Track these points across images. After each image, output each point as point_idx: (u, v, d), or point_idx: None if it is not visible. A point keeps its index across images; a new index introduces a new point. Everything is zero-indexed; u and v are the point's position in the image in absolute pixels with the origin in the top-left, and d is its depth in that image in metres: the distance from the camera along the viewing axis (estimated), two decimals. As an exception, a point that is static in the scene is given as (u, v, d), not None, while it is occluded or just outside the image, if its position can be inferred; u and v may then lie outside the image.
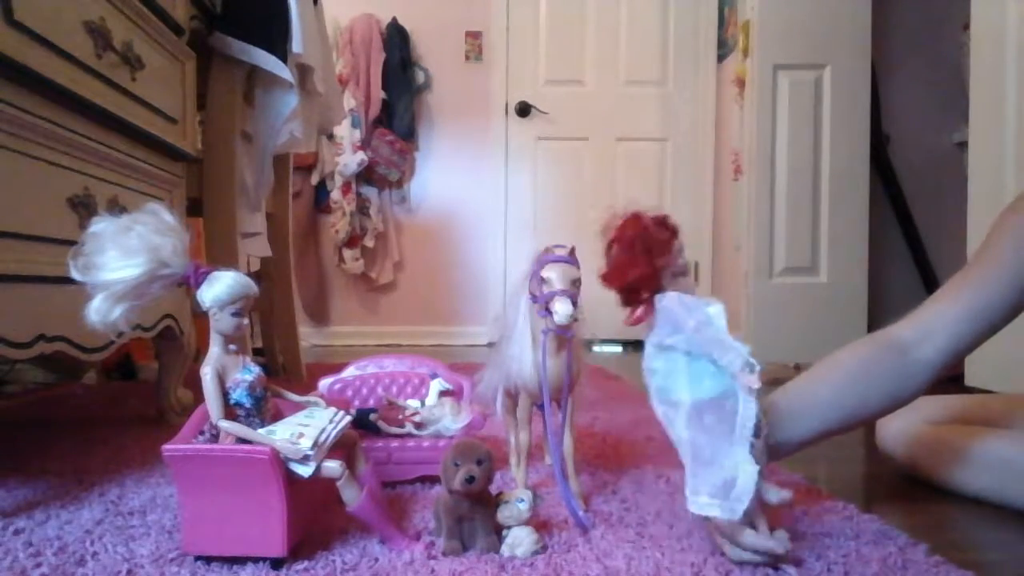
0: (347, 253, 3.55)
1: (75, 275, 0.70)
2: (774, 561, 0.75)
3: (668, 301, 0.79)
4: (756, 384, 0.75)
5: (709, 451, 0.75)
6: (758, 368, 0.76)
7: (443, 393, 1.12)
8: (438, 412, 1.09)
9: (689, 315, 0.78)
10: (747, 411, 0.75)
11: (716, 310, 0.78)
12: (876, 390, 0.88)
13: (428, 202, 3.72)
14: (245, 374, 0.76)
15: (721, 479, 0.73)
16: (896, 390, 0.88)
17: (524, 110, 3.67)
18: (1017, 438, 1.01)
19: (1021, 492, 0.97)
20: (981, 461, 1.01)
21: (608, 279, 0.81)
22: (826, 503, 0.96)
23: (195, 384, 0.83)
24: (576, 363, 0.95)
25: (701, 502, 0.74)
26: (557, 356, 0.93)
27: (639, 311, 0.81)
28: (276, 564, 0.74)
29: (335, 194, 3.50)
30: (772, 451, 0.81)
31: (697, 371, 0.77)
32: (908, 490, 1.10)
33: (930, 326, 0.89)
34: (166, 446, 0.73)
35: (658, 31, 3.71)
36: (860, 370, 0.89)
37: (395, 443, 1.05)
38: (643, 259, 0.79)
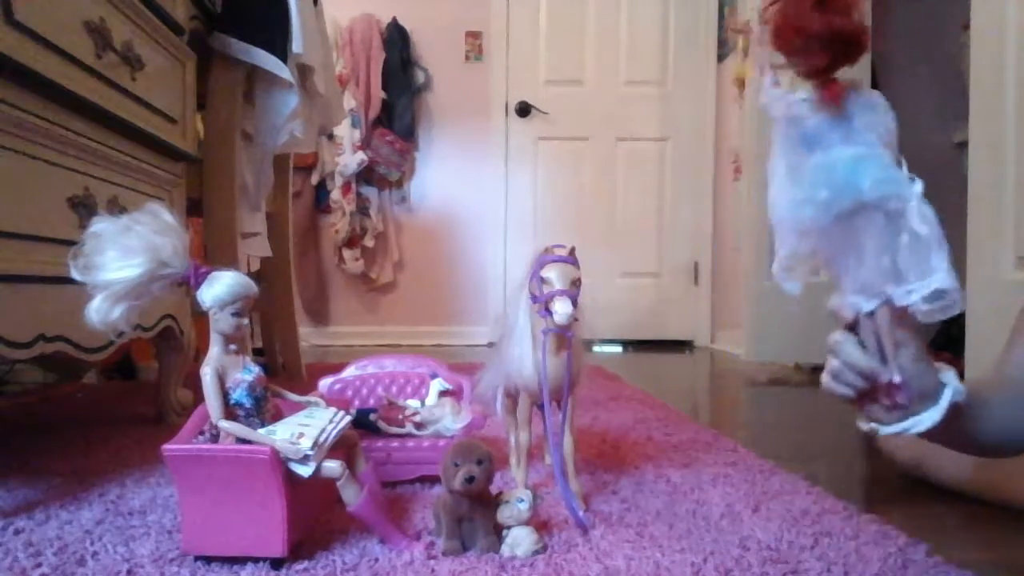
0: (347, 253, 3.56)
1: (75, 275, 0.70)
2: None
3: (870, 92, 0.66)
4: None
5: (884, 252, 0.66)
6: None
7: (443, 393, 1.12)
8: (438, 412, 1.09)
9: (889, 117, 0.67)
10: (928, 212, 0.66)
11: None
12: (1008, 421, 0.82)
13: (428, 202, 3.72)
14: (245, 374, 0.76)
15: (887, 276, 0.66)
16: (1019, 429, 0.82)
17: (524, 110, 3.67)
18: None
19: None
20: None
21: (814, 23, 0.61)
22: (826, 503, 0.96)
23: (195, 384, 0.83)
24: (576, 363, 0.95)
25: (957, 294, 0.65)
26: (557, 356, 0.93)
27: (842, 84, 0.65)
28: (276, 564, 0.74)
29: (335, 194, 3.50)
30: (953, 420, 0.73)
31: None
32: (908, 490, 1.10)
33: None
34: (166, 446, 0.73)
35: (658, 31, 3.72)
36: (994, 402, 0.83)
37: (395, 443, 1.05)
38: (855, 15, 0.61)
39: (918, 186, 0.66)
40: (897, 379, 0.71)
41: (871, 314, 0.70)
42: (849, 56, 0.63)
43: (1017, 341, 0.87)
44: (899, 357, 0.70)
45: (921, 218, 0.66)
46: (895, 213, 0.66)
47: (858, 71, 2.89)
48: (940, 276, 0.66)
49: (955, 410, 0.72)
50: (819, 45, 0.61)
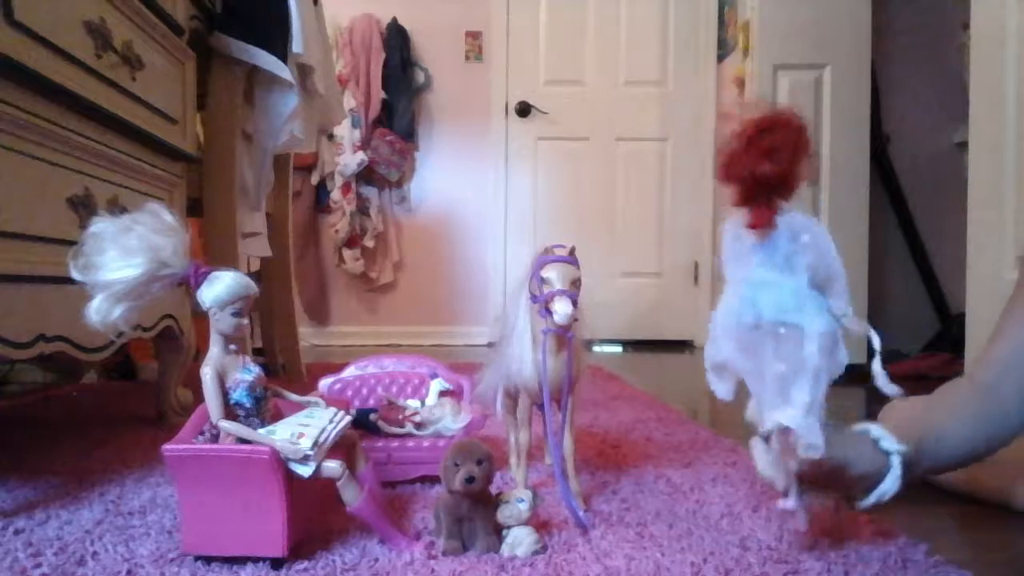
0: (347, 253, 3.55)
1: (75, 275, 0.70)
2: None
3: (801, 217, 0.73)
4: (867, 331, 0.73)
5: (824, 384, 0.72)
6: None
7: (443, 393, 1.12)
8: (438, 412, 1.09)
9: (820, 238, 0.73)
10: (842, 357, 0.73)
11: (832, 246, 0.73)
12: (978, 437, 0.84)
13: (428, 202, 3.72)
14: (245, 374, 0.76)
15: (819, 408, 0.71)
16: (994, 438, 0.85)
17: (524, 110, 3.67)
18: None
19: None
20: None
21: (741, 171, 0.71)
22: (826, 503, 0.96)
23: (195, 384, 0.83)
24: (576, 363, 0.95)
25: (812, 425, 0.70)
26: (557, 356, 0.93)
27: (761, 214, 0.72)
28: (276, 564, 0.74)
29: (335, 194, 3.50)
30: (914, 468, 0.79)
31: (818, 301, 0.73)
32: (908, 490, 1.09)
33: (1001, 366, 0.85)
34: (166, 446, 0.73)
35: (658, 31, 3.71)
36: (963, 416, 0.85)
37: (395, 443, 1.06)
38: (786, 158, 0.70)
39: (816, 324, 0.71)
40: (789, 504, 0.75)
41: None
42: (771, 195, 0.71)
43: (995, 342, 0.88)
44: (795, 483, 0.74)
45: (777, 355, 0.72)
46: (784, 339, 0.72)
47: (858, 71, 2.88)
48: (788, 413, 0.71)
49: (915, 459, 0.77)
50: (743, 184, 0.71)
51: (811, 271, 0.73)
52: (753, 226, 0.73)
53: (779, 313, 0.73)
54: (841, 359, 0.73)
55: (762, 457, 0.76)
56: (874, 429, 0.78)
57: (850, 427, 0.79)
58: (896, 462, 0.76)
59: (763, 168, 0.70)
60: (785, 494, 0.76)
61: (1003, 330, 0.87)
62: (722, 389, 0.80)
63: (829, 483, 0.78)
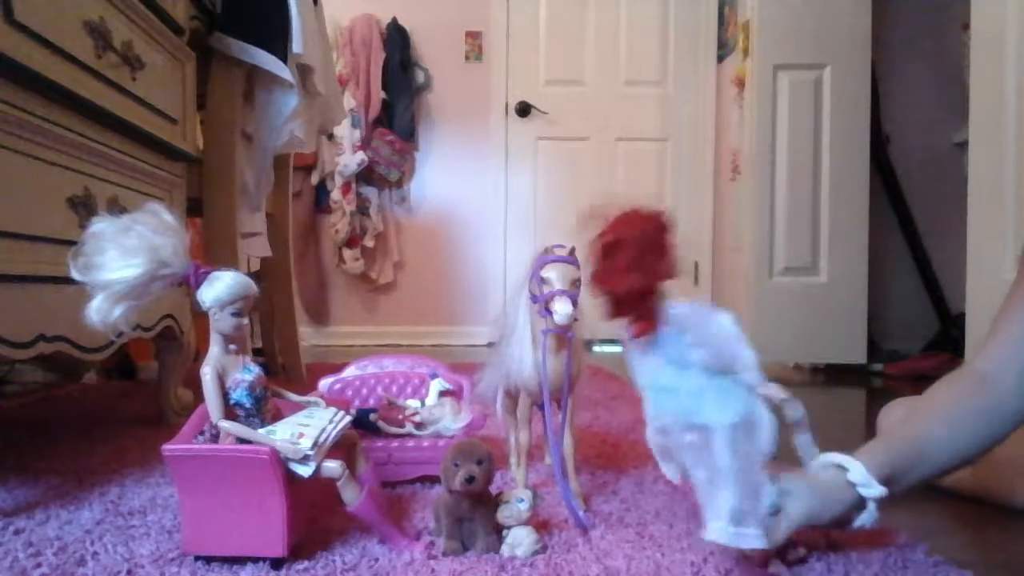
0: (347, 253, 3.55)
1: (75, 275, 0.70)
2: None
3: (683, 309, 0.73)
4: (781, 395, 0.72)
5: (752, 475, 0.70)
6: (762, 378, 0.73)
7: (443, 393, 1.12)
8: (438, 412, 1.09)
9: (707, 327, 0.73)
10: (768, 427, 0.71)
11: (726, 318, 0.73)
12: (974, 434, 0.83)
13: (428, 202, 3.72)
14: (245, 374, 0.76)
15: (754, 504, 0.70)
16: (992, 432, 0.83)
17: (524, 110, 3.67)
18: None
19: None
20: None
21: (605, 287, 0.73)
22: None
23: (195, 384, 0.83)
24: (576, 363, 0.95)
25: (746, 533, 0.69)
26: (557, 356, 0.93)
27: (641, 323, 0.73)
28: (276, 564, 0.74)
29: (335, 194, 3.50)
30: (899, 485, 0.79)
31: (723, 390, 0.72)
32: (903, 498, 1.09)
33: (1003, 355, 0.84)
34: (166, 446, 0.73)
35: (658, 31, 3.71)
36: (959, 415, 0.83)
37: (395, 443, 1.06)
38: (646, 267, 0.71)
39: (721, 419, 0.70)
40: (777, 571, 0.74)
41: None
42: (640, 304, 0.72)
43: (995, 335, 0.87)
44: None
45: (693, 462, 0.72)
46: (695, 444, 0.72)
47: (858, 71, 2.87)
48: (715, 527, 0.70)
49: (892, 482, 0.76)
50: (609, 301, 0.74)
51: (706, 363, 0.72)
52: (634, 336, 0.74)
53: (681, 417, 0.72)
54: (765, 436, 0.71)
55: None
56: (853, 471, 0.75)
57: (822, 462, 0.78)
58: (873, 506, 0.75)
59: (619, 287, 0.71)
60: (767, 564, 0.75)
61: (1003, 323, 0.87)
62: (671, 471, 0.79)
63: (803, 537, 0.78)
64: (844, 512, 0.75)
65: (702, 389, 0.72)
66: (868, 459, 0.77)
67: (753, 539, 0.68)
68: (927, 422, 0.84)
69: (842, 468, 0.76)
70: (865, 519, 0.76)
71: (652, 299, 0.73)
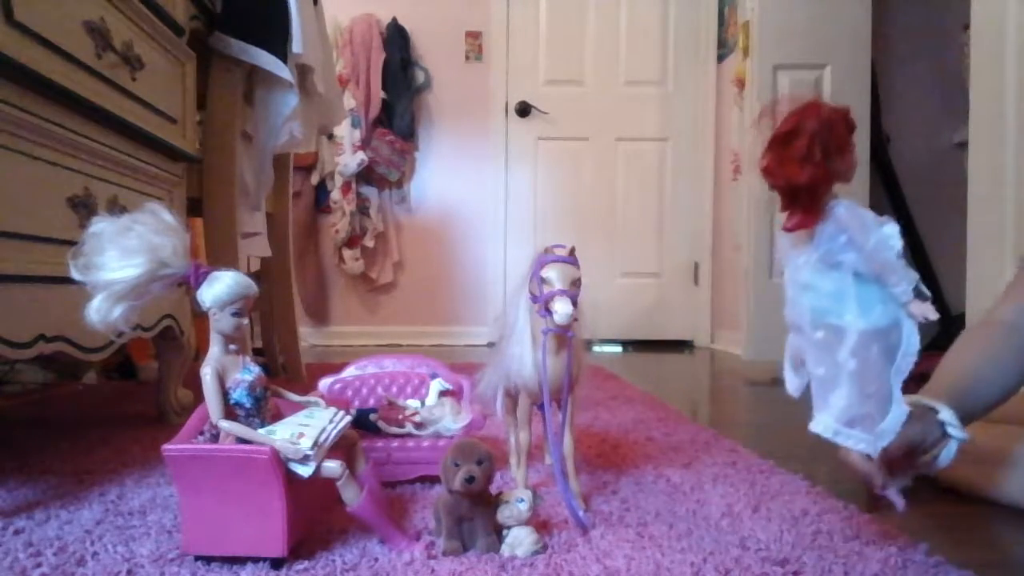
0: (347, 253, 3.55)
1: (75, 275, 0.70)
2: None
3: (845, 211, 0.71)
4: (933, 315, 0.71)
5: (875, 384, 0.70)
6: (929, 297, 0.71)
7: (443, 393, 1.12)
8: (438, 412, 1.09)
9: (867, 232, 0.70)
10: (910, 347, 0.71)
11: (892, 230, 0.70)
12: (1015, 372, 0.89)
13: (428, 202, 3.72)
14: (245, 374, 0.76)
15: (874, 412, 0.71)
16: (1021, 373, 0.89)
17: (524, 110, 3.67)
18: None
19: None
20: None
21: (774, 175, 0.70)
22: (826, 503, 0.96)
23: (195, 384, 0.83)
24: (576, 363, 0.95)
25: (851, 433, 0.71)
26: (557, 356, 0.93)
27: (801, 216, 0.71)
28: (276, 564, 0.74)
29: (335, 194, 3.50)
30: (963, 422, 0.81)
31: (867, 296, 0.70)
32: (908, 490, 1.10)
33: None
34: (166, 446, 0.73)
35: (658, 31, 3.72)
36: (1001, 355, 0.89)
37: (395, 443, 1.05)
38: (820, 159, 0.68)
39: (857, 324, 0.70)
40: (888, 493, 0.77)
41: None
42: (809, 197, 0.70)
43: (1015, 289, 0.93)
44: (890, 479, 0.77)
45: (817, 359, 0.73)
46: (822, 343, 0.72)
47: (858, 71, 2.87)
48: (820, 421, 0.72)
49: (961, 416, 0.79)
50: (780, 191, 0.72)
51: (857, 267, 0.71)
52: (789, 229, 0.73)
53: (817, 316, 0.72)
54: (908, 351, 0.71)
55: (854, 458, 0.77)
56: (943, 412, 0.79)
57: (911, 400, 0.79)
58: (955, 445, 0.78)
59: (795, 176, 0.69)
60: (883, 487, 0.77)
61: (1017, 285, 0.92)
62: (792, 383, 0.78)
63: (904, 463, 0.80)
64: (934, 444, 0.79)
65: (845, 291, 0.71)
66: (944, 399, 0.81)
67: (858, 441, 0.70)
68: (975, 365, 0.88)
69: (932, 408, 0.80)
70: (944, 458, 0.79)
71: (822, 194, 0.70)
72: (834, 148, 0.69)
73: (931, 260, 3.05)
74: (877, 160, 2.97)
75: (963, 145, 2.39)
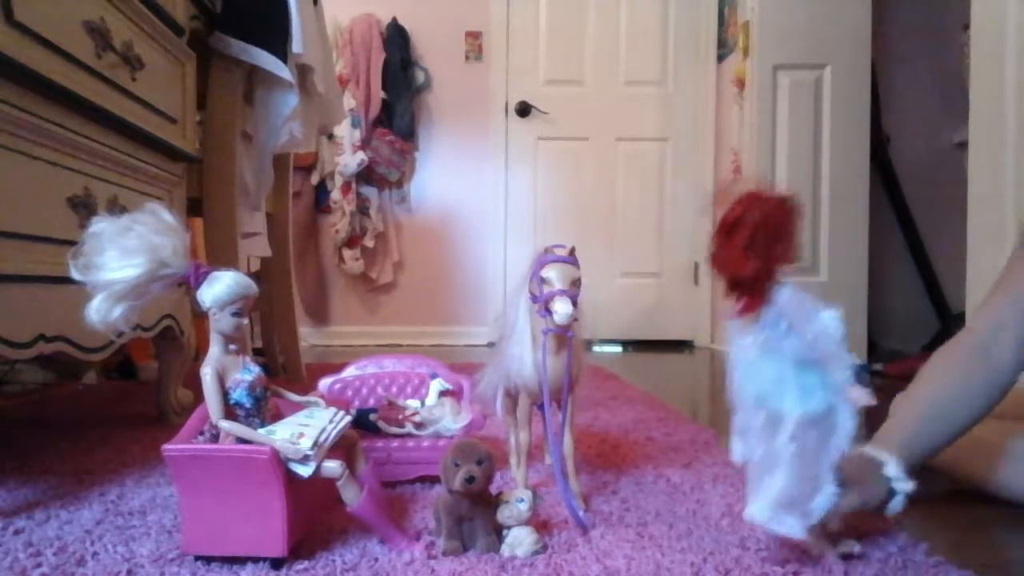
0: (347, 253, 3.55)
1: (75, 275, 0.70)
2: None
3: (787, 299, 0.73)
4: (869, 402, 0.73)
5: (811, 468, 0.72)
6: (867, 381, 0.75)
7: (443, 393, 1.12)
8: (438, 412, 1.09)
9: (807, 320, 0.73)
10: (845, 431, 0.73)
11: (832, 317, 0.73)
12: (979, 406, 0.89)
13: (428, 202, 3.72)
14: (245, 374, 0.76)
15: (808, 495, 0.72)
16: (992, 401, 0.89)
17: (524, 110, 3.67)
18: None
19: None
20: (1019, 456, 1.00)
21: (721, 268, 0.73)
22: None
23: (195, 384, 0.83)
24: (577, 363, 0.95)
25: (784, 520, 0.72)
26: (557, 356, 0.92)
27: (748, 302, 0.74)
28: (276, 564, 0.74)
29: (335, 194, 3.50)
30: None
31: (807, 382, 0.73)
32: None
33: (999, 319, 0.91)
34: (166, 446, 0.73)
35: (658, 31, 3.71)
36: (965, 390, 0.89)
37: (395, 443, 1.06)
38: (762, 250, 0.71)
39: (796, 408, 0.72)
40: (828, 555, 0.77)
41: None
42: (753, 286, 0.73)
43: (994, 302, 0.94)
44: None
45: (758, 440, 0.74)
46: (764, 426, 0.74)
47: (858, 71, 2.87)
48: (752, 507, 0.73)
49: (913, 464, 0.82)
50: (725, 280, 0.74)
51: (797, 353, 0.73)
52: (737, 314, 0.75)
53: (758, 400, 0.74)
54: (843, 435, 0.73)
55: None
56: (889, 466, 0.80)
57: (856, 452, 0.81)
58: (902, 498, 0.80)
59: (737, 268, 0.71)
60: (820, 555, 0.77)
61: (1001, 293, 0.93)
62: (736, 451, 0.79)
63: (852, 521, 0.81)
64: (882, 502, 0.80)
65: (785, 377, 0.73)
66: (894, 448, 0.82)
67: (791, 527, 0.71)
68: (937, 400, 0.89)
69: (877, 461, 0.81)
70: (895, 507, 0.80)
71: (767, 282, 0.73)
72: (776, 238, 0.71)
73: (931, 260, 3.05)
74: (877, 160, 2.97)
75: (963, 145, 2.39)
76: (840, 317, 0.73)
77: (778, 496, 0.71)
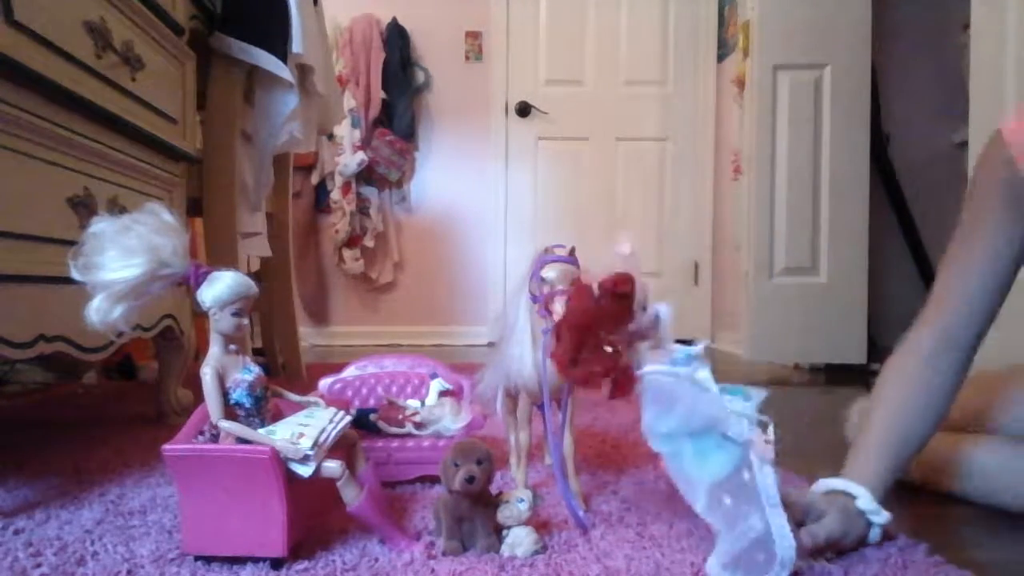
0: (347, 253, 3.55)
1: (75, 275, 0.70)
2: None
3: (651, 379, 0.75)
4: (771, 450, 0.71)
5: (740, 524, 0.71)
6: (770, 424, 0.72)
7: (443, 393, 1.12)
8: (438, 412, 1.09)
9: (676, 390, 0.73)
10: (765, 479, 0.70)
11: (704, 378, 0.73)
12: (933, 413, 0.90)
13: (428, 202, 3.72)
14: (245, 374, 0.76)
15: (754, 550, 0.70)
16: (943, 408, 0.90)
17: (524, 110, 3.67)
18: (996, 448, 1.01)
19: (1008, 497, 0.97)
20: (969, 471, 1.01)
21: (565, 371, 0.78)
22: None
23: (195, 384, 0.83)
24: (576, 363, 0.95)
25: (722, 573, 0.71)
26: (557, 356, 0.92)
27: (612, 391, 0.78)
28: (276, 564, 0.74)
29: (335, 194, 3.50)
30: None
31: (703, 450, 0.73)
32: (908, 490, 1.10)
33: (948, 330, 0.91)
34: (166, 446, 0.73)
35: (658, 31, 3.71)
36: (914, 401, 0.89)
37: (395, 443, 1.05)
38: (601, 348, 0.75)
39: (703, 478, 0.73)
40: None
41: None
42: (593, 384, 0.78)
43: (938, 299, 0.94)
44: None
45: (704, 507, 0.75)
46: (688, 494, 0.76)
47: (858, 71, 2.86)
48: (710, 562, 0.73)
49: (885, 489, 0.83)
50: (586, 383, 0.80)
51: (679, 430, 0.74)
52: (612, 397, 0.80)
53: (674, 473, 0.77)
54: (761, 486, 0.70)
55: None
56: (861, 499, 0.80)
57: (826, 487, 0.82)
58: (879, 529, 0.80)
59: (571, 377, 0.76)
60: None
61: (946, 287, 0.95)
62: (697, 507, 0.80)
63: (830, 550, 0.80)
64: (859, 534, 0.80)
65: (682, 451, 0.75)
66: (865, 479, 0.82)
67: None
68: (896, 424, 0.89)
69: (849, 495, 0.80)
70: (872, 538, 0.81)
71: (612, 372, 0.76)
72: (612, 328, 0.74)
73: (931, 260, 3.05)
74: (877, 160, 2.97)
75: (963, 145, 2.39)
76: (669, 308, 0.77)
77: (721, 557, 0.72)
